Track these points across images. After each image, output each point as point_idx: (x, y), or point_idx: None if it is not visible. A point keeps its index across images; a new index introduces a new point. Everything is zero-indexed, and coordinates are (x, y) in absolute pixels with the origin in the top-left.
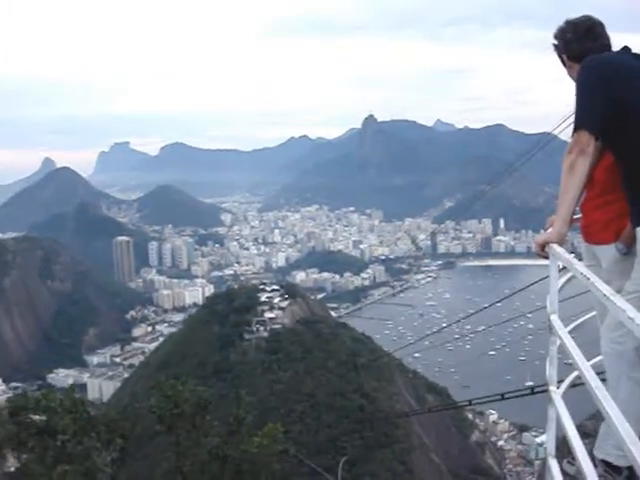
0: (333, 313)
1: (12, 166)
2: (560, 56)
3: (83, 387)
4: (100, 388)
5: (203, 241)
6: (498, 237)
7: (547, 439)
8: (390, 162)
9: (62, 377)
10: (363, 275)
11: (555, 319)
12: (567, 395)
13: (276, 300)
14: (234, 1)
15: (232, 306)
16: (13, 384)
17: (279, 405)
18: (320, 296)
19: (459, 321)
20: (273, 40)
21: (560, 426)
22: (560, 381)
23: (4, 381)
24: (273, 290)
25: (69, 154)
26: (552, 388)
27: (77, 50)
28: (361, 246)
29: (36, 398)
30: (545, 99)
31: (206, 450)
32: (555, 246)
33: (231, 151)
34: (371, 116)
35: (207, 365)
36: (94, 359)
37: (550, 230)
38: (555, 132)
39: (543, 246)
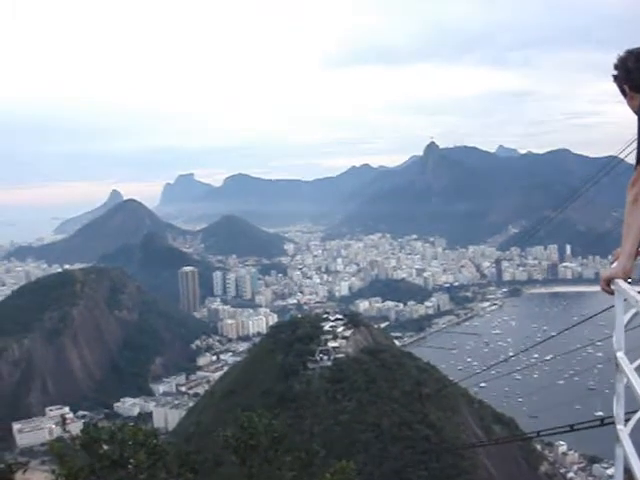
0: (397, 342)
1: (81, 198)
2: (620, 86)
3: (149, 416)
4: (166, 417)
5: (266, 270)
6: (565, 263)
7: (615, 478)
8: (452, 189)
9: (128, 406)
10: (427, 303)
11: (621, 356)
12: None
13: (339, 329)
14: (295, 33)
15: (296, 335)
16: (81, 412)
17: (343, 435)
18: (384, 325)
19: (526, 350)
20: (334, 70)
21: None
22: (628, 419)
23: (72, 409)
24: (336, 319)
25: (136, 186)
26: (619, 427)
27: (142, 86)
28: (424, 274)
29: (111, 430)
30: (609, 122)
31: None
32: (620, 282)
33: (293, 181)
34: (432, 143)
35: (271, 394)
36: (160, 388)
37: (615, 265)
38: (621, 155)
39: (609, 282)
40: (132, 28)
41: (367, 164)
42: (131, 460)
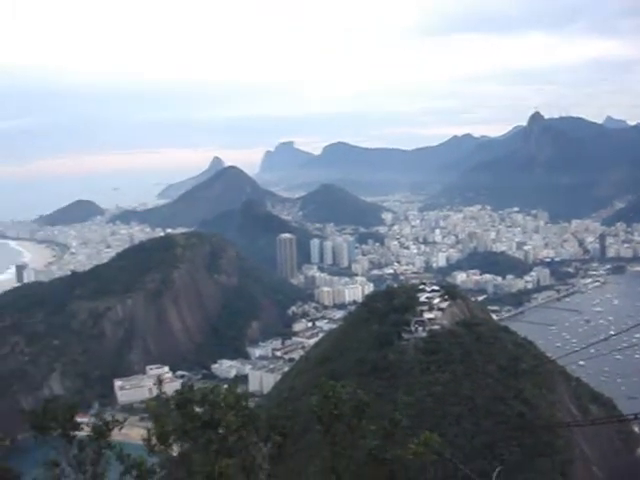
0: (494, 316)
1: (184, 165)
2: None
3: (245, 378)
4: (261, 380)
5: (364, 239)
6: None
7: None
8: (557, 161)
9: (225, 368)
10: (526, 278)
11: None
12: None
13: (436, 301)
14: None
15: (391, 305)
16: (179, 372)
17: (436, 407)
18: (481, 298)
19: (628, 329)
20: (435, 38)
21: None
22: None
23: (171, 369)
24: (433, 290)
25: (237, 153)
26: None
27: (244, 56)
28: (525, 248)
29: (203, 392)
30: None
31: (362, 452)
32: None
33: (393, 150)
34: (537, 113)
35: (365, 363)
36: (256, 352)
37: None
38: None
39: None
40: None
41: (469, 134)
42: (221, 422)
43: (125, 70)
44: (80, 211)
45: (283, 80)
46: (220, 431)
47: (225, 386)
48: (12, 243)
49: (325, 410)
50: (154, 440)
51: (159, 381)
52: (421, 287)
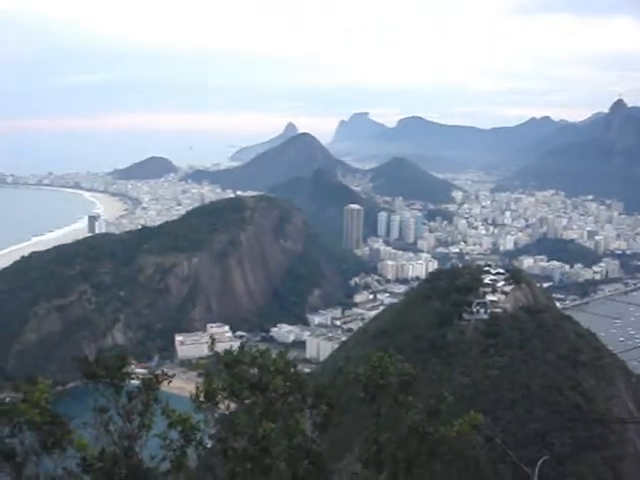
0: (558, 304)
1: (257, 129)
2: None
3: (302, 344)
4: (318, 347)
5: (432, 216)
6: None
7: None
8: (637, 151)
9: (284, 332)
10: (595, 268)
11: None
12: None
13: (500, 283)
14: None
15: (454, 284)
16: (239, 333)
17: (490, 390)
18: (546, 285)
19: None
20: (525, 17)
21: None
22: None
23: (231, 329)
24: (498, 273)
25: (311, 121)
26: None
27: (326, 24)
28: (596, 237)
29: (252, 354)
30: None
31: (405, 425)
32: None
33: (469, 128)
34: (620, 100)
35: (423, 340)
36: (316, 319)
37: None
38: None
39: None
40: None
41: (548, 117)
42: (269, 385)
43: (206, 34)
44: (154, 167)
45: (363, 50)
46: (267, 394)
47: (276, 351)
48: (86, 194)
49: (371, 380)
50: (202, 397)
51: (212, 340)
52: (486, 269)
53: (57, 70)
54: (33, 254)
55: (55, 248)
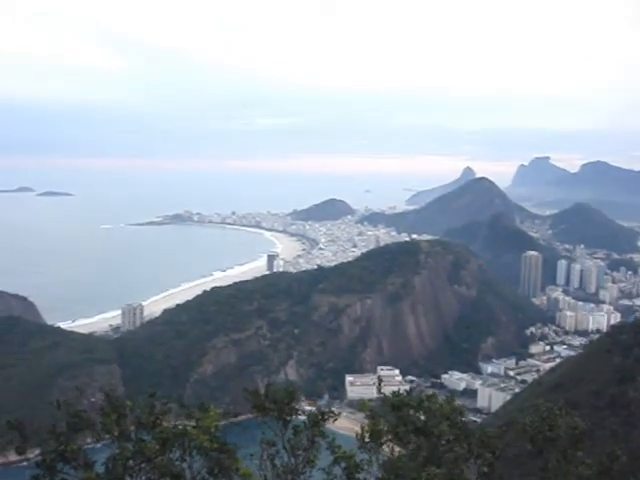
0: None
1: (435, 172)
2: None
3: (473, 393)
4: (490, 397)
5: (615, 266)
6: None
7: None
8: None
9: (455, 379)
10: None
11: None
12: None
13: None
14: None
15: (638, 339)
16: (409, 377)
17: None
18: None
19: None
20: None
21: None
22: None
23: (401, 373)
24: None
25: (489, 165)
26: None
27: (510, 68)
28: None
29: (419, 398)
30: None
31: None
32: None
33: None
34: None
35: (602, 396)
36: (488, 368)
37: None
38: None
39: None
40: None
41: None
42: (434, 430)
43: (380, 77)
44: (332, 209)
45: (545, 94)
46: (431, 440)
47: (443, 397)
48: (266, 234)
49: (539, 432)
50: (367, 437)
51: (379, 381)
52: None
53: (240, 114)
54: (214, 289)
55: (235, 284)
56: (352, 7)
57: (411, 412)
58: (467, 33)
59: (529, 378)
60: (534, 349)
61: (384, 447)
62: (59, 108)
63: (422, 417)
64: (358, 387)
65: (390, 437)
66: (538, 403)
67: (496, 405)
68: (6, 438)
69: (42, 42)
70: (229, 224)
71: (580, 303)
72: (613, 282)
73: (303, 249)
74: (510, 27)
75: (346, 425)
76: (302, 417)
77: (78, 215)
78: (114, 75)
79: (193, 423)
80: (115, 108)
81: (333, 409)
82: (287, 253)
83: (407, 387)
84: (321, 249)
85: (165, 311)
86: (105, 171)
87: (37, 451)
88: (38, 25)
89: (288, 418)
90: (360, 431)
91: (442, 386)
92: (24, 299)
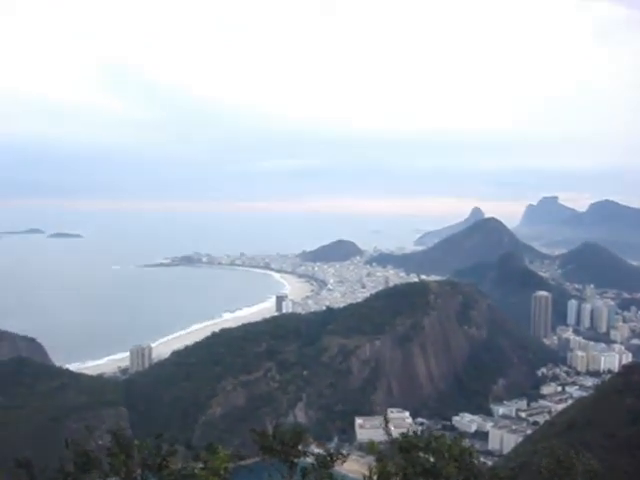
0: None
1: (444, 213)
2: None
3: (484, 435)
4: (501, 439)
5: (626, 305)
6: None
7: None
8: None
9: (466, 421)
10: None
11: None
12: None
13: None
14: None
15: None
16: (419, 419)
17: None
18: None
19: None
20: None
21: None
22: None
23: (411, 415)
24: None
25: (497, 205)
26: None
27: (516, 110)
28: None
29: (427, 439)
30: None
31: None
32: None
33: None
34: None
35: (614, 437)
36: (499, 409)
37: None
38: None
39: None
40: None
41: None
42: (442, 471)
43: (391, 119)
44: (340, 250)
45: (553, 134)
46: None
47: (451, 438)
48: (275, 275)
49: (555, 474)
50: (375, 479)
51: (386, 422)
52: None
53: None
54: (224, 330)
55: (244, 325)
56: (363, 54)
57: (420, 454)
58: (469, 75)
59: (541, 419)
60: (546, 390)
61: None
62: (66, 152)
63: (431, 459)
64: (368, 430)
65: (399, 479)
66: (553, 445)
67: (508, 447)
68: (14, 477)
69: (57, 84)
70: (238, 265)
71: (591, 343)
72: (624, 322)
73: (312, 290)
74: (513, 67)
75: (355, 468)
76: (310, 460)
77: (88, 256)
78: (117, 116)
79: (201, 465)
80: (118, 151)
81: (342, 451)
82: (296, 294)
83: (416, 429)
84: (330, 290)
85: (174, 352)
86: (113, 213)
87: None
88: (51, 65)
89: (295, 460)
90: (368, 473)
91: (453, 428)
92: (32, 340)
